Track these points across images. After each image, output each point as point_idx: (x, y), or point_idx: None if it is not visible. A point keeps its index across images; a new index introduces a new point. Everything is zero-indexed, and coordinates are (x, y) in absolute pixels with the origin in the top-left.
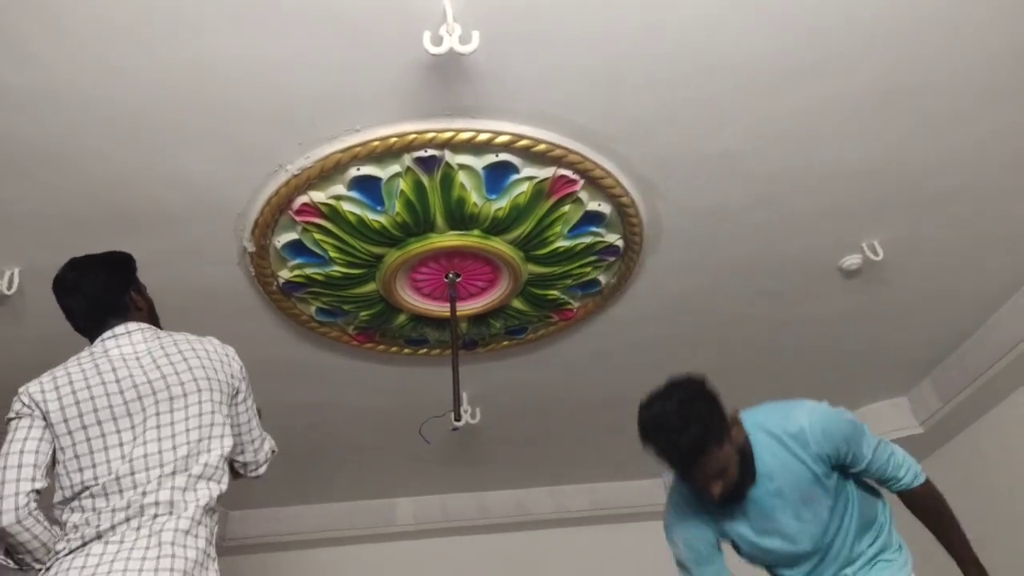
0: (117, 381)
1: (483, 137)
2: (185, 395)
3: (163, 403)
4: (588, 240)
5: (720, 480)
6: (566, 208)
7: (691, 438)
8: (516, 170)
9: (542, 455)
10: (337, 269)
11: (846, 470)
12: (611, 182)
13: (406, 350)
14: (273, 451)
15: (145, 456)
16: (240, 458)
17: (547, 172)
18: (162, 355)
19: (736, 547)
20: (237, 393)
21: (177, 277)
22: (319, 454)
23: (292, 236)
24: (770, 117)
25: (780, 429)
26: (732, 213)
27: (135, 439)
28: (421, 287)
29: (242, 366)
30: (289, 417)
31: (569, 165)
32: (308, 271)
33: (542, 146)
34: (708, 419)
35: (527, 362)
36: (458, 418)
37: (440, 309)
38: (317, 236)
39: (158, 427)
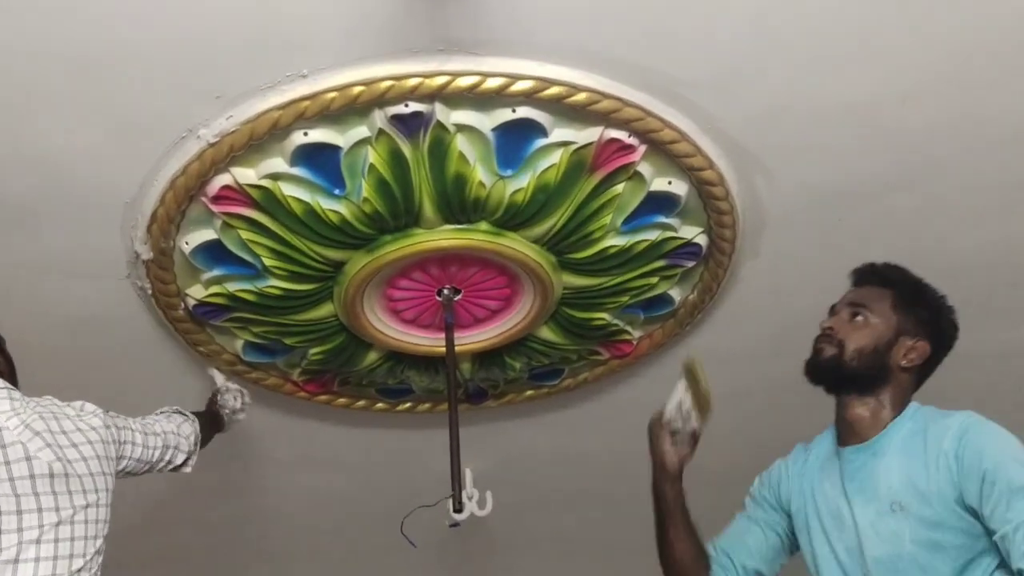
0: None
1: (493, 83)
2: (84, 492)
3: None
4: (653, 236)
5: (849, 321)
6: (619, 188)
7: (889, 267)
8: (543, 132)
9: (583, 565)
10: (275, 284)
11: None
12: (688, 149)
13: (379, 404)
14: (196, 436)
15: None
16: (166, 470)
17: (590, 135)
18: (44, 429)
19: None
20: (120, 451)
21: (37, 301)
22: (247, 566)
23: (208, 235)
24: (928, 48)
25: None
26: (871, 193)
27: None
28: (401, 310)
29: (113, 423)
30: (201, 510)
31: (623, 124)
32: (232, 287)
33: (582, 95)
34: (909, 298)
35: (562, 422)
36: (459, 508)
37: (430, 342)
38: (245, 235)
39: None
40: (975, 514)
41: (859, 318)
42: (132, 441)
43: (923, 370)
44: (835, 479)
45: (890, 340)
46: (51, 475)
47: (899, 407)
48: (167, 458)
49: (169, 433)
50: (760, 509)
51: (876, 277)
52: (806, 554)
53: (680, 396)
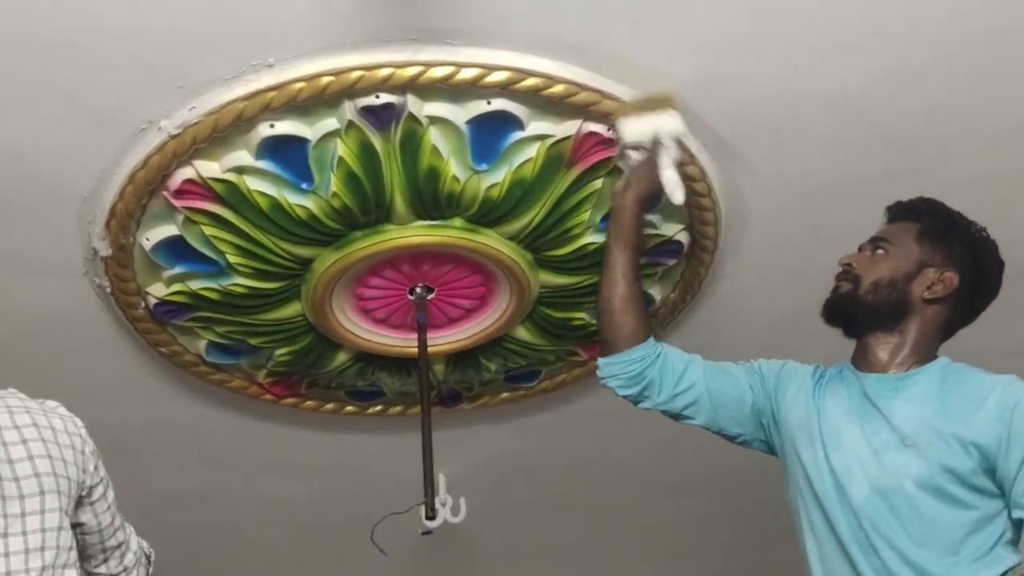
0: None
1: (467, 74)
2: (22, 497)
3: None
4: None
5: (870, 256)
6: (598, 183)
7: (920, 200)
8: (519, 125)
9: (562, 573)
10: (240, 282)
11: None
12: None
13: (349, 407)
14: (148, 556)
15: None
16: (101, 570)
17: (568, 128)
18: None
19: (796, 456)
20: (90, 491)
21: None
22: None
23: (169, 231)
24: (923, 33)
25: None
26: (860, 186)
27: None
28: (372, 309)
29: (94, 449)
30: (161, 519)
31: (603, 117)
32: (194, 285)
33: (559, 87)
34: (938, 229)
35: (540, 425)
36: (431, 515)
37: (402, 343)
38: (208, 231)
39: None
40: (994, 476)
41: (879, 251)
42: (104, 492)
43: (955, 308)
44: (845, 400)
45: (910, 271)
46: None
47: (924, 347)
48: (108, 550)
49: (132, 536)
50: (754, 377)
51: (906, 211)
52: (793, 471)
53: (620, 132)
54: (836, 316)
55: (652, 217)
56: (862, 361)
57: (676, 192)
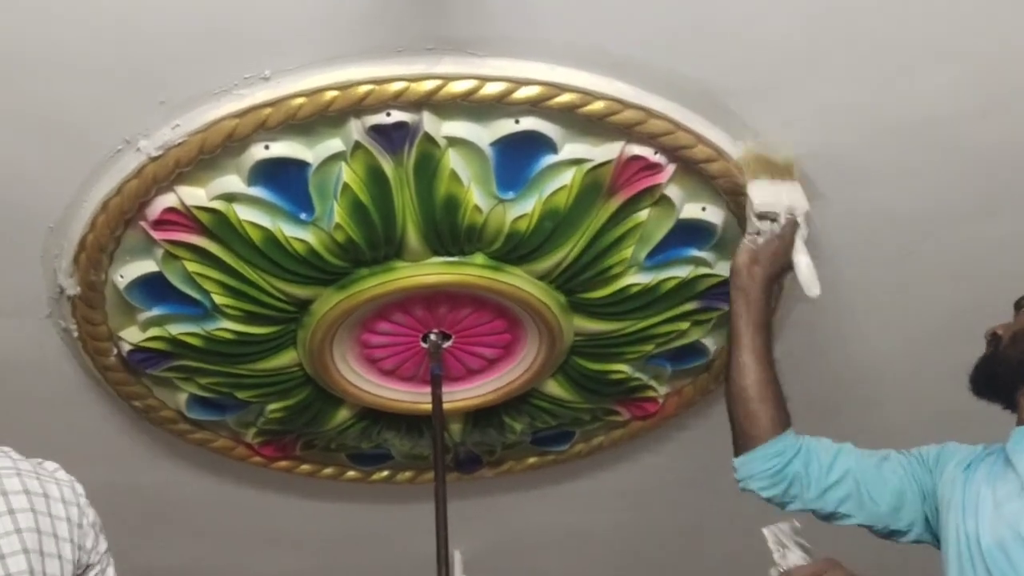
0: None
1: (492, 89)
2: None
3: None
4: (684, 273)
5: (1015, 316)
6: (643, 215)
7: None
8: (552, 147)
9: None
10: (227, 326)
11: None
12: (726, 168)
13: (351, 473)
14: None
15: None
16: None
17: (608, 151)
18: None
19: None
20: (87, 570)
21: None
22: None
23: (147, 267)
24: (1014, 53)
25: None
26: (947, 222)
27: None
28: (379, 359)
29: (95, 521)
30: None
31: (648, 138)
32: (174, 330)
33: (599, 104)
34: None
35: (572, 496)
36: None
37: (413, 398)
38: (192, 267)
39: None
40: None
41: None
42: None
43: None
44: (991, 465)
45: None
46: None
47: None
48: None
49: None
50: (912, 460)
51: None
52: (943, 548)
53: (749, 195)
54: (982, 382)
55: (705, 254)
56: (1018, 423)
57: (813, 286)
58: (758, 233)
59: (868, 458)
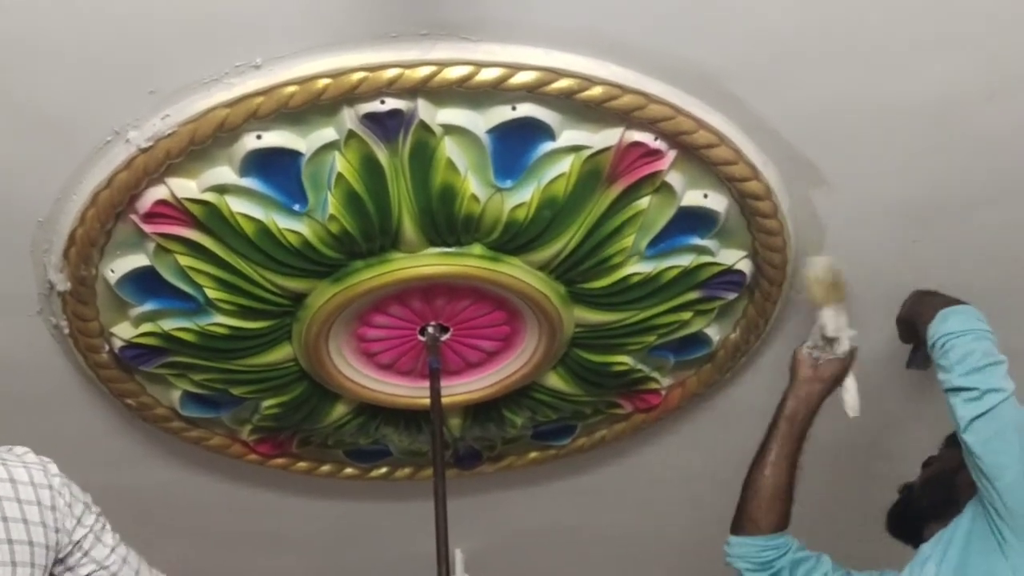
0: None
1: (489, 75)
2: None
3: None
4: (686, 262)
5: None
6: (644, 203)
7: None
8: (549, 134)
9: None
10: (220, 321)
11: None
12: (728, 154)
13: (348, 470)
14: None
15: None
16: None
17: (608, 138)
18: None
19: None
20: (75, 547)
21: None
22: None
23: (138, 261)
24: (1022, 34)
25: None
26: (953, 209)
27: None
28: (376, 352)
29: (71, 500)
30: None
31: (649, 124)
32: (167, 325)
33: (597, 89)
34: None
35: (574, 491)
36: None
37: (411, 393)
38: (184, 261)
39: None
40: None
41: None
42: (96, 541)
43: None
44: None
45: (954, 467)
46: None
47: None
48: None
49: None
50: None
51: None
52: None
53: (821, 320)
54: (897, 527)
55: (707, 242)
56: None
57: (856, 408)
58: (816, 347)
59: (841, 569)
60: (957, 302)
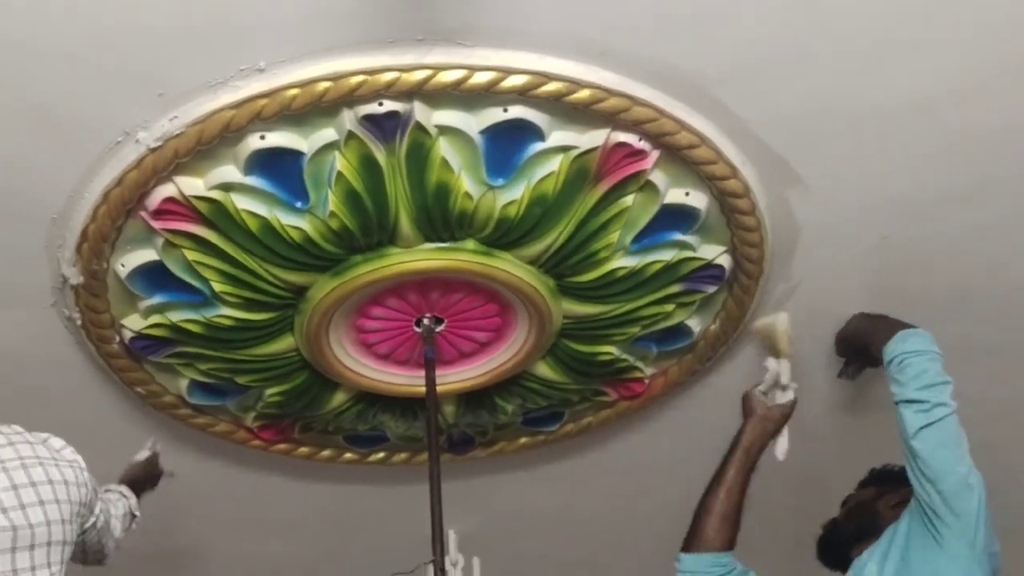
0: None
1: (481, 78)
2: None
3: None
4: (668, 256)
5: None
6: (628, 201)
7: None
8: (539, 135)
9: None
10: (226, 313)
11: None
12: (708, 154)
13: (347, 455)
14: (133, 516)
15: None
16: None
17: (594, 138)
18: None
19: None
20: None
21: None
22: None
23: (148, 256)
24: (993, 37)
25: None
26: (923, 208)
27: None
28: (374, 343)
29: (93, 491)
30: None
31: (633, 125)
32: (175, 317)
33: (585, 92)
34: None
35: (562, 475)
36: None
37: (408, 381)
38: (191, 255)
39: None
40: None
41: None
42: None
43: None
44: None
45: (874, 497)
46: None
47: None
48: (106, 545)
49: (115, 517)
50: None
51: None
52: None
53: (780, 368)
54: (828, 555)
55: (689, 238)
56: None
57: (784, 453)
58: (767, 392)
59: None
60: (910, 325)
